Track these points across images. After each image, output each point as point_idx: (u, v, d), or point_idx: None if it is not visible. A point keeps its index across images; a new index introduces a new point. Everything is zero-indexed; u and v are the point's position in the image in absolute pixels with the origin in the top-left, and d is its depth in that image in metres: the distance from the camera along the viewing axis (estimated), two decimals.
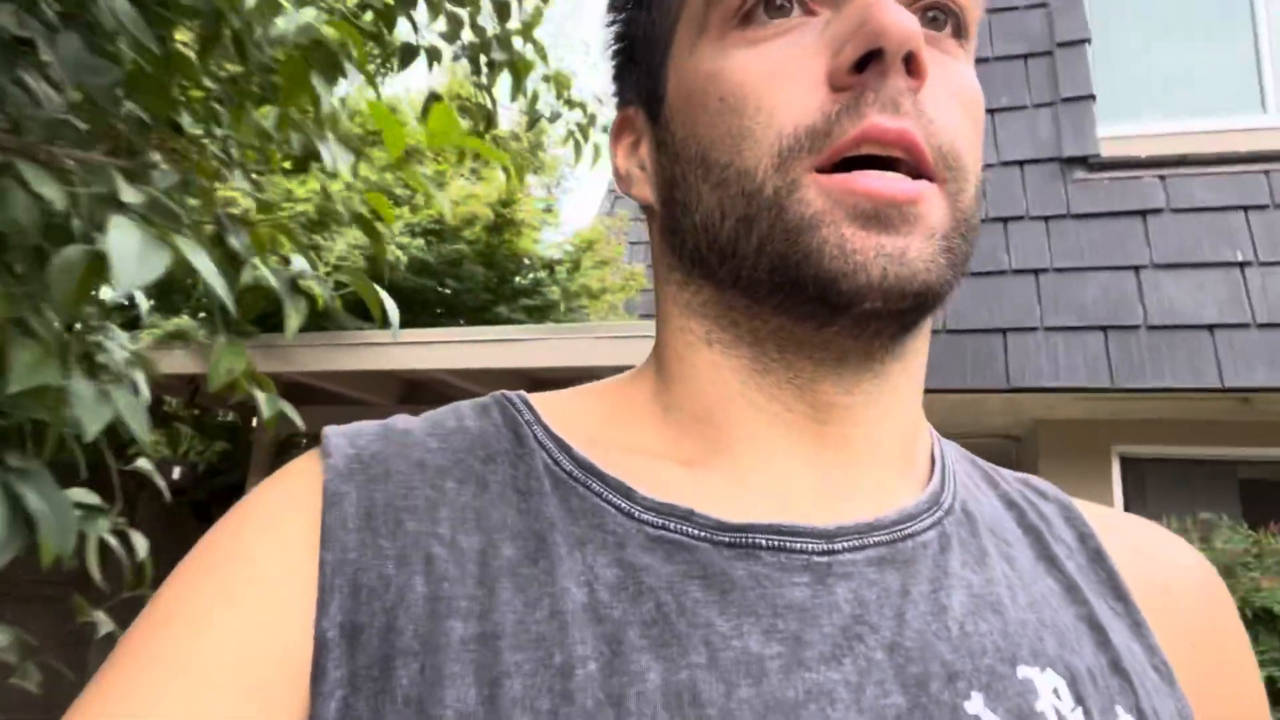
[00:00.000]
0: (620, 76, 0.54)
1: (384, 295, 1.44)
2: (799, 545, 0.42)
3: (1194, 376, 3.46)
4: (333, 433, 0.46)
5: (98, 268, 0.98)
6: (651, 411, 0.49)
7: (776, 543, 0.42)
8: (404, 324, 1.62)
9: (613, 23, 0.54)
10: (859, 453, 0.46)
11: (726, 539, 0.41)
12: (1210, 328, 3.54)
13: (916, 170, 0.41)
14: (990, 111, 4.07)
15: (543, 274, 5.67)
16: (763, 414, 0.46)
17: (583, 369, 3.36)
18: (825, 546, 0.42)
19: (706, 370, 0.47)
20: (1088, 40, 4.19)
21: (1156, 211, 3.81)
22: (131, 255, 0.92)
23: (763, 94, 0.42)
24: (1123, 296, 3.68)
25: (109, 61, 1.15)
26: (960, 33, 0.46)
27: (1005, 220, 3.96)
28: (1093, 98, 4.06)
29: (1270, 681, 3.01)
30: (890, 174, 0.40)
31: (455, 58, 2.11)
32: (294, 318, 1.35)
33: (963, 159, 0.43)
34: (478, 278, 5.39)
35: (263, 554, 0.40)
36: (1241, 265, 3.61)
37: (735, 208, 0.43)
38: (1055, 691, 0.41)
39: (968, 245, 0.44)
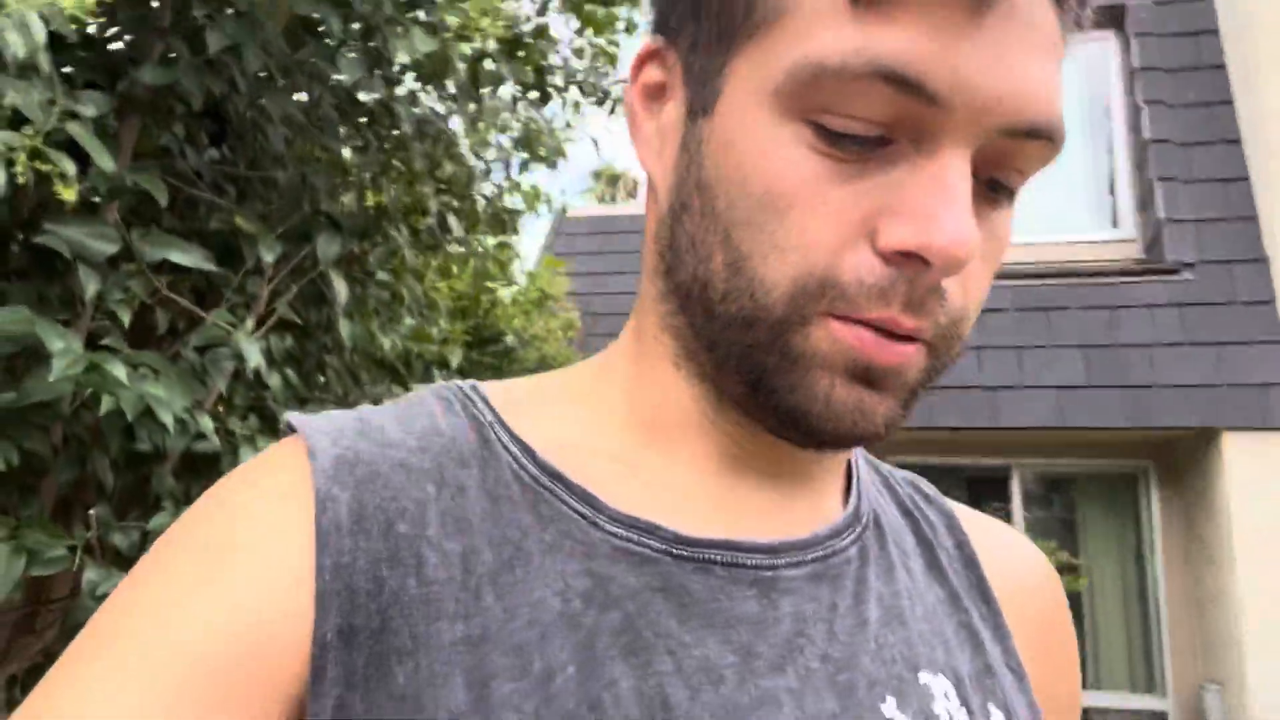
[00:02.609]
0: (676, 10, 0.47)
1: None
2: (748, 561, 0.44)
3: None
4: (312, 430, 0.45)
5: None
6: (613, 412, 0.50)
7: (729, 558, 0.44)
8: None
9: None
10: (798, 475, 0.50)
11: (685, 553, 0.43)
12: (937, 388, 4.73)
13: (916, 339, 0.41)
14: None
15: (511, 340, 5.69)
16: (716, 444, 0.48)
17: None
18: (770, 562, 0.45)
19: (671, 389, 0.48)
20: None
21: None
22: None
23: (806, 217, 0.40)
24: None
25: None
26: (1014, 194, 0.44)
27: None
28: None
29: None
30: (887, 340, 0.40)
31: None
32: None
33: (962, 328, 0.43)
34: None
35: (256, 546, 0.40)
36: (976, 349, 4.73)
37: (740, 303, 0.42)
38: (946, 695, 0.46)
39: (935, 380, 0.45)
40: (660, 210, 0.48)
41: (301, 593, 0.39)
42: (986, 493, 5.27)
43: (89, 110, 1.41)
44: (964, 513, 0.60)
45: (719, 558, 0.44)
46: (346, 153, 2.02)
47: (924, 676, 0.46)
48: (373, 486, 0.42)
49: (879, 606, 0.48)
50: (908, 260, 0.39)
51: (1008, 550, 0.59)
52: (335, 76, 1.81)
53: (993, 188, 0.42)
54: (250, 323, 1.69)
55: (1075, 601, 5.11)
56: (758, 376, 0.43)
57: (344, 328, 1.88)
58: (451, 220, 2.32)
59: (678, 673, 0.40)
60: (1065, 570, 5.07)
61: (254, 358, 1.59)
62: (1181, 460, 4.88)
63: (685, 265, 0.45)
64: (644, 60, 0.49)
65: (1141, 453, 5.03)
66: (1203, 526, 4.68)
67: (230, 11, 1.58)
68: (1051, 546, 4.90)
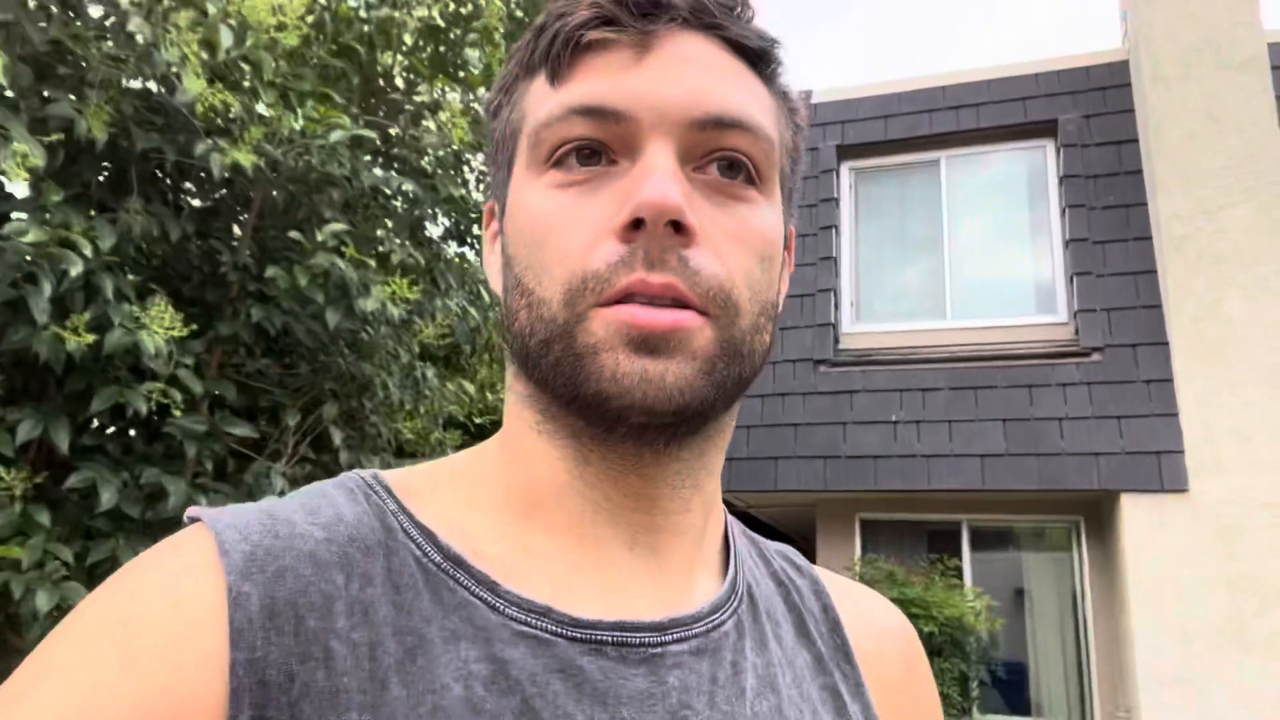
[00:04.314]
0: (490, 171, 0.59)
1: None
2: (637, 639, 0.48)
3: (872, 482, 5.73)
4: (220, 525, 0.45)
5: None
6: (497, 495, 0.53)
7: (619, 638, 0.47)
8: None
9: (490, 121, 0.58)
10: (669, 541, 0.53)
11: (579, 634, 0.47)
12: (874, 458, 5.82)
13: (684, 307, 0.46)
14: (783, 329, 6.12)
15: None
16: (589, 502, 0.51)
17: None
18: (658, 639, 0.49)
19: (540, 457, 0.52)
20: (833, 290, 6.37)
21: (855, 392, 5.99)
22: None
23: (560, 237, 0.48)
24: (831, 441, 5.89)
25: None
26: (753, 180, 0.51)
27: (784, 395, 6.14)
28: (832, 326, 6.27)
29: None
30: (653, 308, 0.46)
31: None
32: None
33: (732, 296, 0.48)
34: None
35: (165, 623, 0.41)
36: (895, 423, 5.80)
37: (538, 330, 0.48)
38: None
39: (740, 367, 0.49)
40: (501, 313, 0.55)
41: (211, 677, 0.39)
42: (941, 543, 6.12)
43: (189, 359, 2.68)
44: (828, 578, 0.65)
45: (609, 638, 0.47)
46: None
47: None
48: (282, 581, 0.43)
49: (754, 676, 0.52)
50: (635, 230, 0.46)
51: (868, 611, 0.64)
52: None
53: (723, 171, 0.50)
54: (282, 462, 2.94)
55: (1020, 638, 5.91)
56: (568, 383, 0.47)
57: (343, 458, 3.12)
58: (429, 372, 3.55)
59: None
60: (1010, 610, 5.88)
61: (279, 484, 2.83)
62: (1105, 517, 5.64)
63: (512, 334, 0.51)
64: (487, 219, 0.61)
65: (1073, 510, 5.81)
66: (1113, 574, 5.45)
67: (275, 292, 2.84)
68: (989, 600, 5.71)
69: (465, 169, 3.51)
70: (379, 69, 3.43)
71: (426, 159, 3.30)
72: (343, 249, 2.83)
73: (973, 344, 5.95)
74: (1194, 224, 5.44)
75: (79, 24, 2.32)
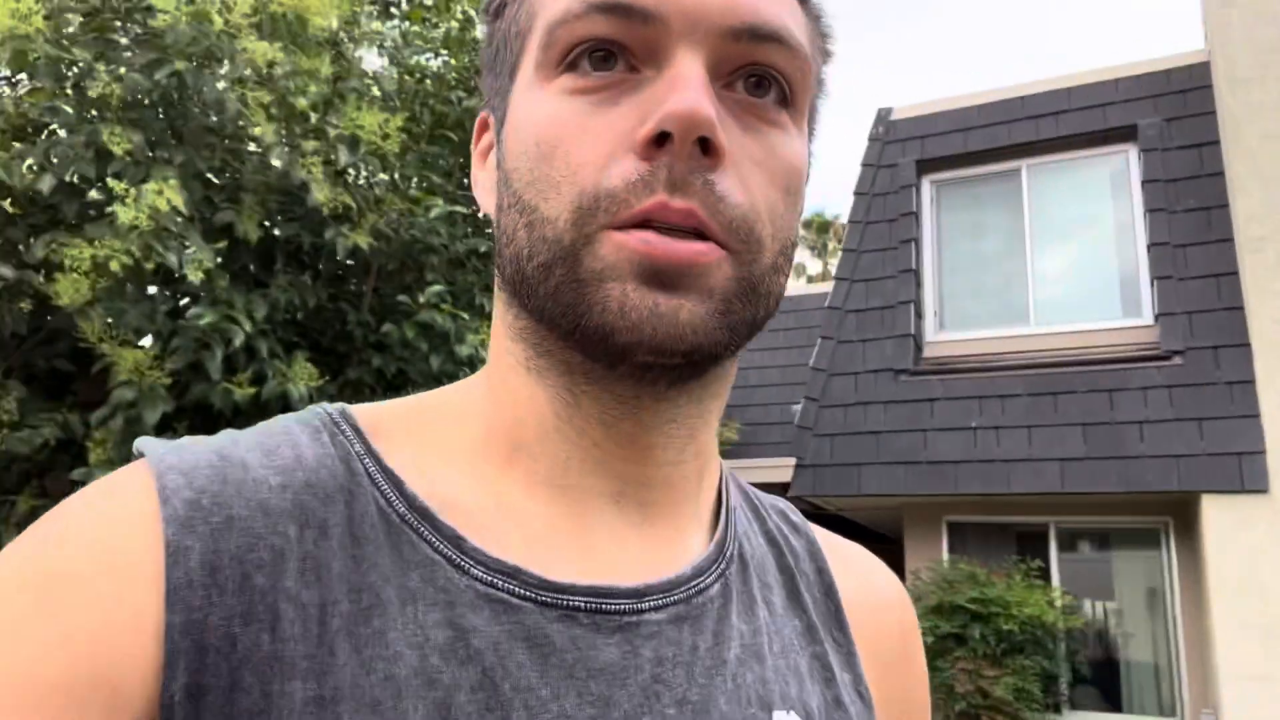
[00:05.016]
0: (486, 79, 0.54)
1: None
2: (612, 606, 0.44)
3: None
4: (164, 464, 0.41)
5: None
6: (475, 438, 0.49)
7: (593, 605, 0.44)
8: None
9: (488, 23, 0.54)
10: (659, 495, 0.50)
11: (549, 599, 0.43)
12: (955, 463, 6.07)
13: (704, 237, 0.42)
14: (862, 341, 6.57)
15: None
16: (575, 448, 0.48)
17: None
18: (634, 606, 0.45)
19: (526, 397, 0.48)
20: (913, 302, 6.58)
21: (935, 400, 6.21)
22: None
23: (571, 149, 0.43)
24: (912, 447, 6.17)
25: None
26: (786, 101, 0.47)
27: (866, 404, 6.40)
28: (912, 336, 6.48)
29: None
30: (671, 238, 0.42)
31: None
32: None
33: (756, 231, 0.44)
34: None
35: (94, 578, 0.37)
36: (975, 429, 6.03)
37: (539, 251, 0.44)
38: None
39: (755, 309, 0.45)
40: (494, 235, 0.51)
41: (143, 640, 0.36)
42: (1029, 545, 6.30)
43: (326, 401, 3.34)
44: (825, 539, 0.62)
45: (583, 604, 0.44)
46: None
47: (778, 714, 0.48)
48: (228, 534, 0.39)
49: (738, 644, 0.49)
50: (659, 148, 0.42)
51: (864, 575, 0.61)
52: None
53: (754, 90, 0.46)
54: None
55: (1110, 637, 6.04)
56: (569, 312, 0.43)
57: None
58: None
59: None
60: (1101, 609, 6.03)
61: None
62: (1191, 518, 5.71)
63: (506, 257, 0.47)
64: (478, 132, 0.56)
65: (1161, 510, 5.89)
66: (1198, 574, 5.53)
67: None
68: (1071, 599, 5.88)
69: None
70: None
71: None
72: (442, 305, 3.45)
73: (1054, 349, 6.11)
74: (1273, 224, 5.45)
75: (235, 157, 3.01)
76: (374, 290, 3.65)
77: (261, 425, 0.48)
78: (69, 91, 2.59)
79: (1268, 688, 5.00)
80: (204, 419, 3.27)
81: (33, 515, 3.02)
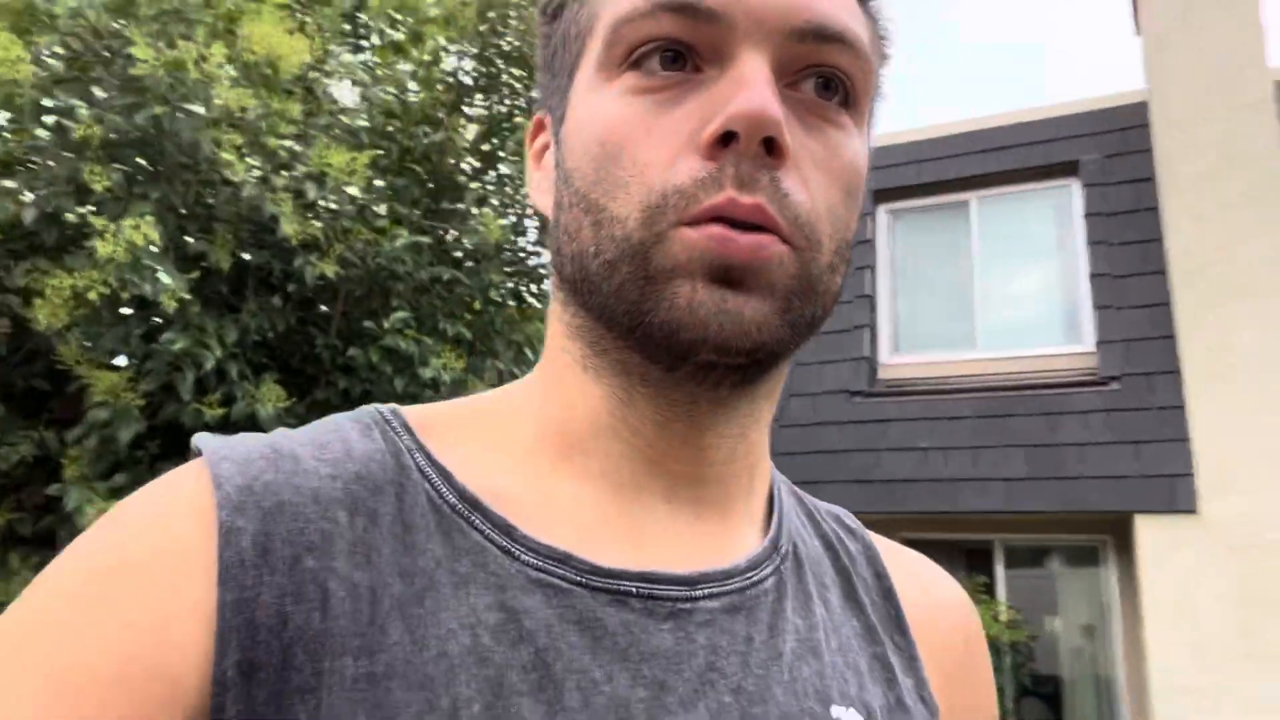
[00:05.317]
0: (542, 80, 0.55)
1: None
2: (664, 593, 0.45)
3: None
4: (218, 455, 0.43)
5: None
6: (527, 436, 0.50)
7: (645, 590, 0.44)
8: None
9: (544, 25, 0.54)
10: (711, 493, 0.50)
11: (600, 584, 0.44)
12: (906, 481, 6.35)
13: (771, 232, 0.43)
14: (820, 363, 6.79)
15: None
16: (628, 447, 0.48)
17: None
18: (687, 594, 0.46)
19: (580, 397, 0.49)
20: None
21: (889, 420, 6.49)
22: None
23: (638, 148, 0.44)
24: (866, 466, 6.46)
25: None
26: (848, 102, 0.47)
27: (822, 424, 6.67)
28: (866, 360, 6.75)
29: None
30: (739, 232, 0.42)
31: None
32: None
33: (818, 229, 0.45)
34: None
35: (150, 569, 0.38)
36: (926, 449, 6.30)
37: (605, 249, 0.44)
38: None
39: (814, 307, 0.46)
40: (551, 234, 0.51)
41: (198, 626, 0.37)
42: (976, 561, 6.55)
43: (292, 420, 3.50)
44: (884, 545, 0.62)
45: (635, 589, 0.44)
46: None
47: (836, 710, 0.47)
48: (280, 518, 0.41)
49: (794, 639, 0.48)
50: (725, 147, 0.42)
51: (926, 582, 0.61)
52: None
53: (819, 90, 0.46)
54: None
55: (1054, 651, 6.29)
56: (634, 310, 0.44)
57: None
58: None
59: (585, 709, 0.40)
60: (1044, 625, 6.27)
61: None
62: (1129, 537, 5.97)
63: (566, 255, 0.47)
64: (534, 133, 0.56)
65: (1101, 530, 6.16)
66: (1134, 591, 5.79)
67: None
68: (1015, 614, 6.13)
69: (500, 260, 4.28)
70: (446, 167, 4.25)
71: (470, 260, 4.10)
72: (406, 330, 3.63)
73: (1000, 373, 6.38)
74: (1205, 258, 5.75)
75: (209, 191, 3.20)
76: (342, 314, 3.82)
77: (313, 424, 0.49)
78: (52, 131, 2.76)
79: (1198, 700, 5.25)
80: (175, 438, 3.42)
81: (10, 529, 3.16)
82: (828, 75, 0.46)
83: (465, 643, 0.40)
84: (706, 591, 0.46)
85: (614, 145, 0.45)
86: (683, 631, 0.45)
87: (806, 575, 0.53)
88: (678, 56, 0.45)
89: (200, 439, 0.45)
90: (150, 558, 0.39)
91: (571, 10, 0.51)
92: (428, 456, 0.47)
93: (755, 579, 0.49)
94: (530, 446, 0.50)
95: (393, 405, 0.50)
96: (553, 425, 0.50)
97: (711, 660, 0.44)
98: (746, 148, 0.42)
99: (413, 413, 0.50)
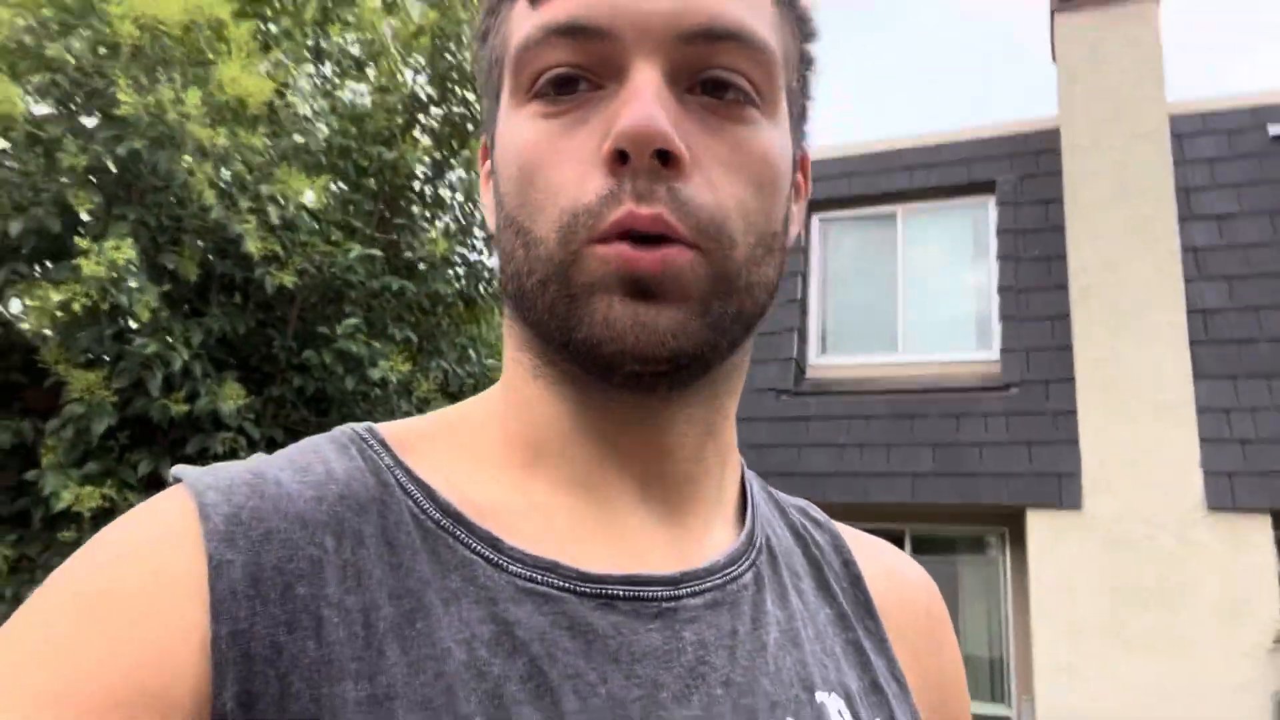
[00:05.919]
0: (483, 104, 0.55)
1: None
2: (650, 594, 0.46)
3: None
4: (202, 484, 0.42)
5: None
6: (496, 445, 0.51)
7: (631, 592, 0.45)
8: None
9: (479, 49, 0.54)
10: (683, 491, 0.51)
11: (588, 589, 0.45)
12: (824, 475, 6.79)
13: (674, 240, 0.44)
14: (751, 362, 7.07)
15: None
16: (595, 451, 0.49)
17: None
18: (672, 593, 0.47)
19: (539, 404, 0.50)
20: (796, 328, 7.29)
21: (810, 418, 6.98)
22: None
23: (549, 171, 0.45)
24: (788, 460, 6.90)
25: None
26: (751, 99, 0.47)
27: (751, 420, 7.01)
28: (794, 360, 7.19)
29: None
30: (644, 248, 0.43)
31: None
32: None
33: (728, 227, 0.45)
34: None
35: (141, 594, 0.38)
36: (843, 445, 6.77)
37: (535, 269, 0.46)
38: (839, 712, 0.49)
39: (736, 303, 0.46)
40: (496, 253, 0.52)
41: (194, 654, 0.37)
42: None
43: (251, 414, 3.85)
44: (848, 533, 0.64)
45: (621, 593, 0.45)
46: None
47: (819, 695, 0.49)
48: (268, 546, 0.40)
49: (776, 629, 0.50)
50: (621, 163, 0.43)
51: (889, 565, 0.63)
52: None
53: (715, 91, 0.46)
54: None
55: (956, 632, 6.86)
56: (563, 326, 0.45)
57: None
58: None
59: (584, 711, 0.41)
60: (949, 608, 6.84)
61: None
62: (1022, 529, 6.55)
63: (508, 274, 0.48)
64: (483, 156, 0.57)
65: (998, 521, 6.73)
66: (1024, 578, 6.37)
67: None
68: None
69: (448, 268, 4.66)
70: (399, 181, 4.60)
71: (420, 264, 4.47)
72: (358, 335, 4.00)
73: (916, 376, 6.91)
74: (1098, 277, 6.30)
75: (180, 207, 3.54)
76: (298, 319, 4.17)
77: (290, 447, 0.49)
78: (42, 159, 3.08)
79: (1073, 678, 5.84)
80: (143, 430, 3.76)
81: None
82: (719, 79, 0.47)
83: (462, 658, 0.41)
84: (690, 589, 0.48)
85: (529, 169, 0.46)
86: (670, 630, 0.46)
87: (781, 567, 0.55)
88: (568, 81, 0.46)
89: (180, 470, 0.45)
90: (138, 584, 0.38)
91: (492, 36, 0.52)
92: (408, 473, 0.47)
93: (735, 574, 0.51)
94: (500, 457, 0.51)
95: (368, 424, 0.51)
96: (517, 435, 0.51)
97: (700, 655, 0.46)
98: (639, 163, 0.43)
99: (388, 430, 0.51)
